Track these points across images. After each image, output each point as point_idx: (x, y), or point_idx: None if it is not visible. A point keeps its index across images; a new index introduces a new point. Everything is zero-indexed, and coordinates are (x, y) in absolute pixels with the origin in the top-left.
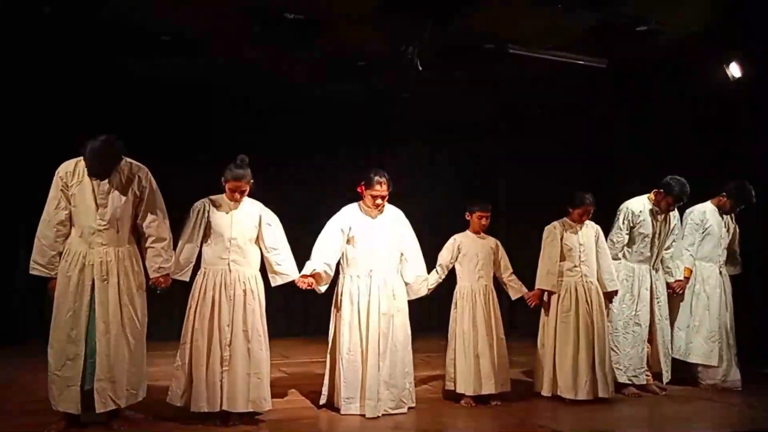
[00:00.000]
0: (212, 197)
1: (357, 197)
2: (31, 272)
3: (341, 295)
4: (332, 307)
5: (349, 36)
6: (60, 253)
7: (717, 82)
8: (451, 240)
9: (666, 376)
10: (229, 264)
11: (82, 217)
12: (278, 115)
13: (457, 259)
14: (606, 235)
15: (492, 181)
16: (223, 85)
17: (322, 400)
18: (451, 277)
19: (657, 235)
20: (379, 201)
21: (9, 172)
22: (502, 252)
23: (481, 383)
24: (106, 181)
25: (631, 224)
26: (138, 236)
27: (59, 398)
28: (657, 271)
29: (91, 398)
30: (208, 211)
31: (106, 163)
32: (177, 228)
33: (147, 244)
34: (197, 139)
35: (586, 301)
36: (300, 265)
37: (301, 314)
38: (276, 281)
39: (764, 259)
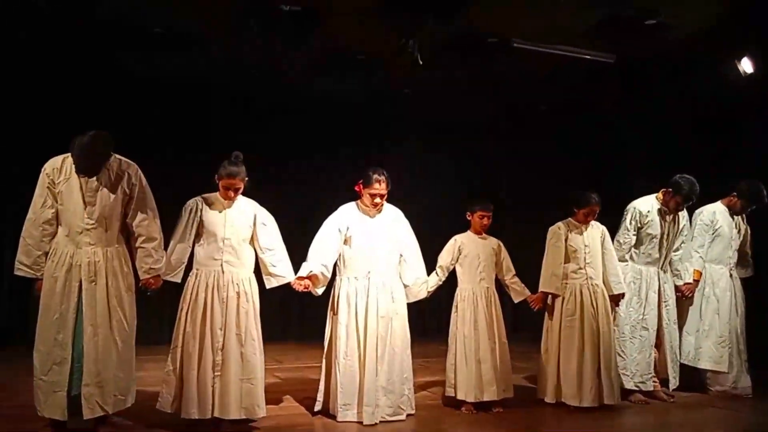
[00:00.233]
0: (205, 195)
1: (357, 197)
2: (15, 273)
3: (338, 298)
4: (329, 310)
5: (348, 32)
6: (46, 254)
7: (728, 78)
8: (451, 241)
9: (674, 383)
10: (222, 265)
11: (69, 215)
12: (278, 114)
13: (457, 260)
14: (612, 236)
15: (493, 180)
16: (222, 84)
17: (317, 407)
18: (451, 280)
19: (665, 236)
20: (377, 200)
21: None
22: (504, 253)
23: (483, 390)
24: (95, 178)
25: (639, 225)
26: (127, 236)
27: (45, 404)
28: (665, 272)
29: (78, 404)
30: (201, 210)
31: (95, 160)
32: (171, 228)
33: (137, 244)
34: (196, 139)
35: (592, 304)
36: (296, 267)
37: (296, 317)
38: (271, 283)
39: None
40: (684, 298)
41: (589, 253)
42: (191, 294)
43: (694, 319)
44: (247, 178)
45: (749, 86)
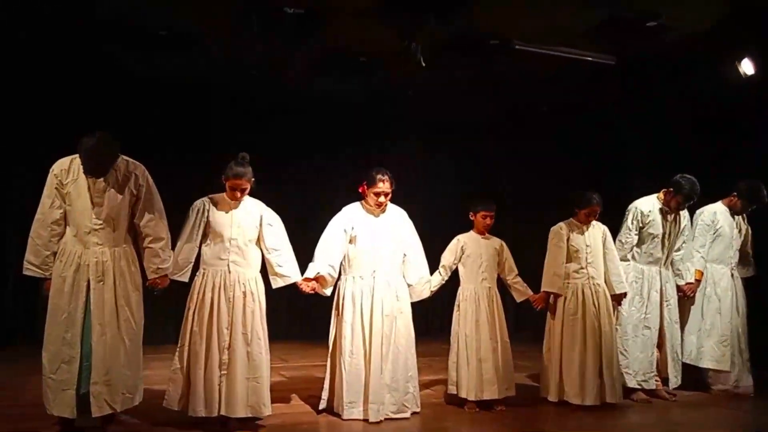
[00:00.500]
0: (212, 196)
1: (358, 197)
2: (24, 273)
3: (343, 297)
4: (333, 309)
5: (349, 33)
6: (54, 253)
7: (729, 79)
8: (454, 240)
9: (675, 382)
10: (228, 265)
11: (77, 216)
12: (278, 114)
13: (460, 260)
14: (614, 235)
15: (494, 180)
16: (223, 84)
17: (322, 405)
18: (454, 279)
19: (667, 236)
20: (382, 199)
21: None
22: (506, 253)
23: (484, 388)
24: (102, 179)
25: (640, 224)
26: (134, 236)
27: (54, 402)
28: (667, 272)
29: (87, 402)
30: (208, 211)
31: (102, 161)
32: (178, 228)
33: (144, 244)
34: (197, 139)
35: (593, 303)
36: (302, 267)
37: (300, 316)
38: (277, 283)
39: None
40: (686, 298)
41: (591, 253)
42: (198, 294)
43: (695, 318)
44: (253, 179)
45: (749, 87)
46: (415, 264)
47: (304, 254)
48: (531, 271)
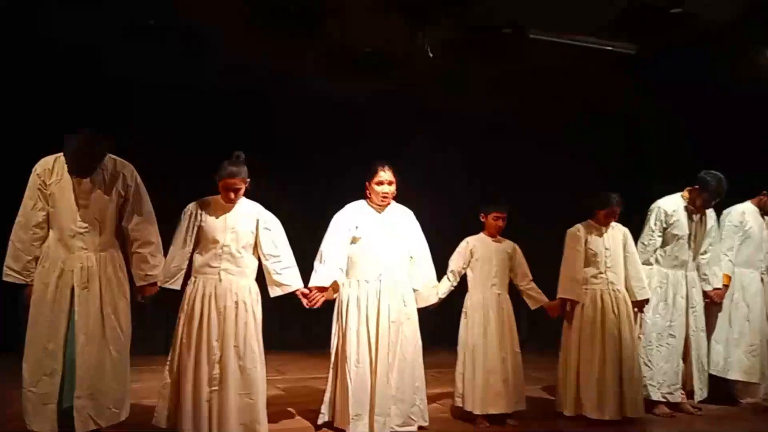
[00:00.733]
0: (206, 198)
1: (359, 196)
2: (3, 279)
3: (347, 302)
4: (335, 315)
5: (355, 27)
6: (36, 258)
7: (758, 70)
8: (463, 243)
9: (701, 394)
10: (219, 273)
11: (61, 218)
12: (281, 114)
13: (469, 264)
14: (635, 238)
15: (506, 180)
16: (222, 83)
17: (322, 419)
18: (463, 284)
19: (692, 237)
20: (385, 188)
21: None
22: (519, 257)
23: (491, 402)
24: (88, 179)
25: (664, 225)
26: (122, 240)
27: (34, 417)
28: (693, 276)
29: (70, 417)
30: (201, 214)
31: (88, 159)
32: (170, 234)
33: (132, 249)
34: (197, 139)
35: (613, 311)
36: (306, 274)
37: (298, 325)
38: (275, 292)
39: None
40: (714, 305)
41: (610, 257)
42: (188, 303)
43: (722, 326)
44: (248, 179)
45: None
46: (421, 267)
47: (310, 259)
48: (547, 277)
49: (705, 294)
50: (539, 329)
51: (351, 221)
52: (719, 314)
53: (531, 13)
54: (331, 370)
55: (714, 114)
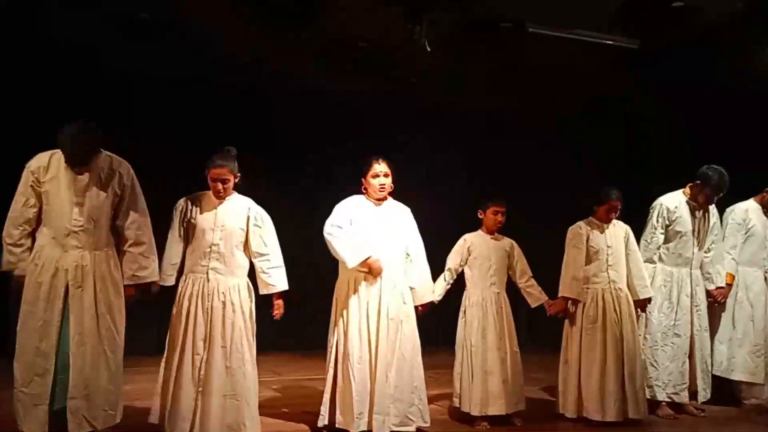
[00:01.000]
0: (197, 194)
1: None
2: (3, 269)
3: (347, 299)
4: (334, 313)
5: (352, 20)
6: (29, 248)
7: (762, 65)
8: (460, 240)
9: (704, 395)
10: (207, 272)
11: (55, 216)
12: (276, 110)
13: (467, 262)
14: (637, 238)
15: (506, 179)
16: (222, 82)
17: (321, 422)
18: (461, 282)
19: (696, 234)
20: (382, 180)
21: None
22: (518, 254)
23: (489, 402)
24: (85, 176)
25: (667, 222)
26: (117, 239)
27: (25, 419)
28: (697, 274)
29: (61, 419)
30: (190, 210)
31: (86, 149)
32: (164, 233)
33: (123, 248)
34: (197, 139)
35: (615, 310)
36: (303, 267)
37: (293, 325)
38: (262, 291)
39: None
40: (717, 304)
41: (612, 255)
42: (178, 301)
43: (726, 326)
44: (239, 174)
45: None
46: (417, 265)
47: (310, 258)
48: (547, 276)
49: (708, 293)
50: (538, 329)
51: (349, 214)
52: (723, 314)
53: (531, 6)
54: (330, 370)
55: (714, 113)
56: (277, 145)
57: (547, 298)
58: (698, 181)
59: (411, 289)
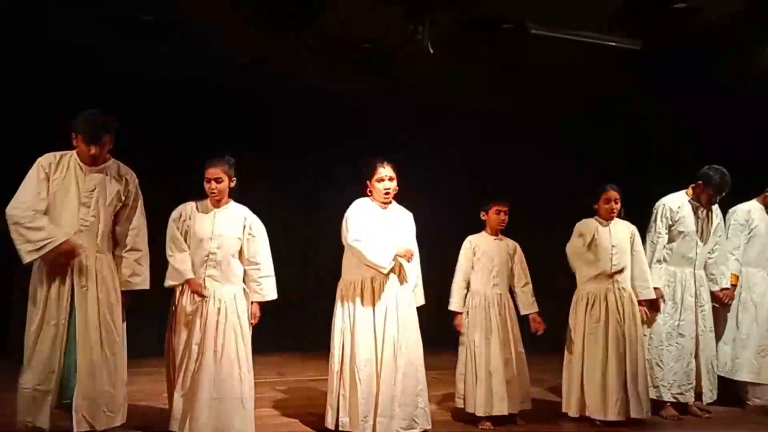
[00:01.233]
0: (195, 202)
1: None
2: (26, 261)
3: (353, 300)
4: (339, 315)
5: (354, 22)
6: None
7: (762, 65)
8: (465, 243)
9: (710, 396)
10: (204, 280)
11: (61, 216)
12: (279, 112)
13: (472, 263)
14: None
15: (506, 180)
16: (222, 82)
17: (327, 423)
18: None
19: (699, 234)
20: (387, 185)
21: None
22: (519, 257)
23: (493, 403)
24: (93, 176)
25: (670, 222)
26: (113, 245)
27: (28, 412)
28: (701, 274)
29: (63, 416)
30: (187, 219)
31: (101, 125)
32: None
33: (120, 253)
34: (197, 139)
35: (618, 310)
36: (306, 266)
37: (294, 326)
38: (252, 297)
39: None
40: (723, 306)
41: (617, 254)
42: (175, 306)
43: (730, 327)
44: (234, 178)
45: None
46: (411, 271)
47: (308, 257)
48: (546, 277)
49: (713, 295)
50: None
51: (364, 219)
52: (727, 315)
53: (531, 6)
54: (335, 371)
55: (715, 113)
56: (277, 145)
57: (537, 309)
58: (700, 182)
59: None
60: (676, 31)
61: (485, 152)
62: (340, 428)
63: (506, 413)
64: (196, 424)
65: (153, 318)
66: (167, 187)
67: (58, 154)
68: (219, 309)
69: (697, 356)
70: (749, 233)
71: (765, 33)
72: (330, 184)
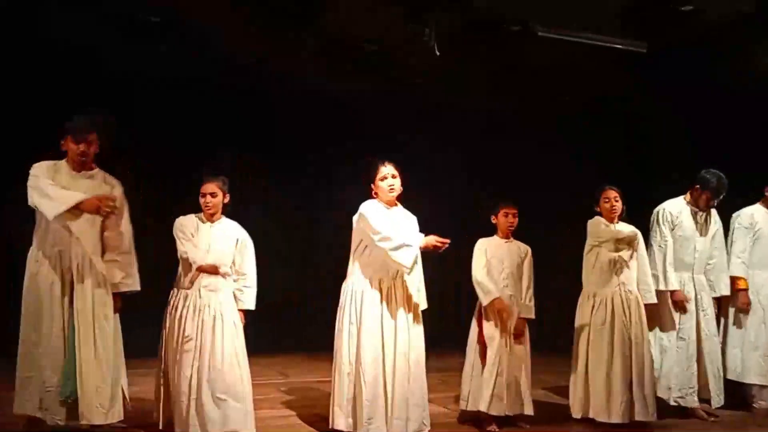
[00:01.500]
0: (191, 216)
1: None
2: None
3: (361, 301)
4: (344, 316)
5: (355, 19)
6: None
7: (763, 65)
8: (477, 245)
9: (718, 401)
10: (199, 290)
11: (55, 222)
12: (279, 112)
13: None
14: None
15: (506, 179)
16: (222, 82)
17: (331, 424)
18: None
19: (698, 238)
20: (391, 182)
21: None
22: (528, 263)
23: (497, 402)
24: (82, 182)
25: (671, 226)
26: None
27: (48, 408)
28: (701, 279)
29: (60, 407)
30: (183, 234)
31: (89, 123)
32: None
33: (110, 256)
34: (197, 139)
35: (624, 312)
36: (306, 270)
37: (294, 326)
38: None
39: None
40: (741, 312)
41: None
42: (170, 311)
43: (738, 330)
44: (228, 195)
45: None
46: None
47: (308, 257)
48: (546, 277)
49: (718, 301)
50: (545, 331)
51: (383, 218)
52: (734, 318)
53: (531, 6)
54: (339, 372)
55: (715, 114)
56: (277, 145)
57: (533, 317)
58: (697, 186)
59: None
60: (676, 31)
61: (485, 152)
62: (345, 429)
63: (509, 413)
64: (197, 424)
65: (153, 318)
66: (167, 187)
67: (50, 162)
68: (215, 317)
69: (700, 361)
70: (753, 236)
71: (765, 34)
72: (330, 184)
